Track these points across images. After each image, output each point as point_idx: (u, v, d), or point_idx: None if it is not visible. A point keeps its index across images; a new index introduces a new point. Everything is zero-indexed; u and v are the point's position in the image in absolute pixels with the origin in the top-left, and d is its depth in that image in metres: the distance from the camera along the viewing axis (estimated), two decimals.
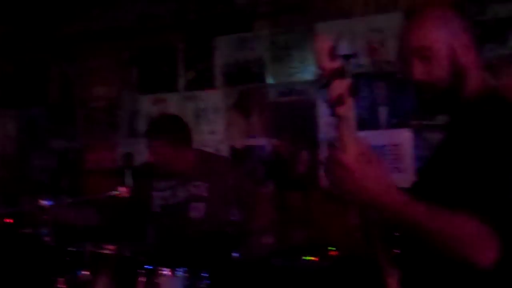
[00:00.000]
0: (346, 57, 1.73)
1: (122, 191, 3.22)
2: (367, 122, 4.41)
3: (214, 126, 5.06)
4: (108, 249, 3.35)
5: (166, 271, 3.26)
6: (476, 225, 1.68)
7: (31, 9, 5.77)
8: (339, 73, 1.57)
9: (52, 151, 5.79)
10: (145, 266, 3.26)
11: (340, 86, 1.57)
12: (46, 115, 5.84)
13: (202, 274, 3.25)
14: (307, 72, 4.68)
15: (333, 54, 1.57)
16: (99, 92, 5.60)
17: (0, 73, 6.04)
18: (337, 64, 1.57)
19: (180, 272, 3.26)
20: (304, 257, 4.00)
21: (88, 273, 3.33)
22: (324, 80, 1.57)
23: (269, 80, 4.85)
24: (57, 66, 5.79)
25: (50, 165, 5.79)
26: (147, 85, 5.39)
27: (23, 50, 5.90)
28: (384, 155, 4.34)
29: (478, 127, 1.83)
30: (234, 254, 3.59)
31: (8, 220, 3.79)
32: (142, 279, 3.25)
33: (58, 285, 3.19)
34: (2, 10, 5.82)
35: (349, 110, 1.59)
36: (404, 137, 4.35)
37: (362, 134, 1.80)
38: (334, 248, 3.98)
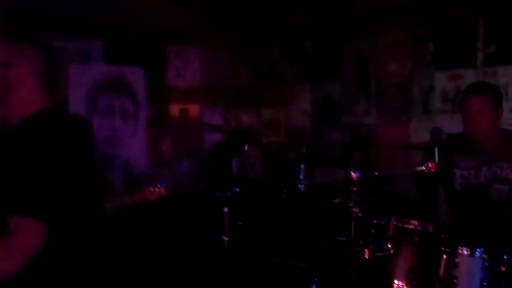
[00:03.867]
0: None
1: (429, 166, 3.20)
2: None
3: None
4: (412, 224, 3.37)
5: (466, 251, 3.18)
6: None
7: None
8: None
9: (346, 126, 5.96)
10: (448, 244, 3.22)
11: None
12: (340, 90, 6.03)
13: (503, 256, 3.11)
14: None
15: None
16: (393, 68, 5.60)
17: (299, 50, 6.36)
18: None
19: (479, 253, 3.16)
20: None
21: (391, 246, 3.39)
22: None
23: None
24: (352, 42, 5.92)
25: (343, 140, 5.97)
26: (443, 61, 5.25)
27: (320, 27, 6.14)
28: None
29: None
30: None
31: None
32: (445, 256, 3.21)
33: (364, 256, 3.30)
34: None
35: None
36: None
37: None
38: None
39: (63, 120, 2.39)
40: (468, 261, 3.18)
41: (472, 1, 5.03)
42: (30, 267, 2.16)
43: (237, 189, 4.11)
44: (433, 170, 3.22)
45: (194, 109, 6.40)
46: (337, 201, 3.49)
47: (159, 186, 3.53)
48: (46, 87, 2.39)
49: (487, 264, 3.13)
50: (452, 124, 4.87)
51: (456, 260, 3.18)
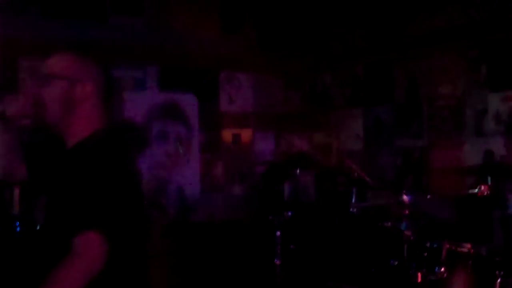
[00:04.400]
0: None
1: (482, 189, 3.17)
2: None
3: None
4: (465, 247, 3.33)
5: None
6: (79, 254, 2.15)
7: (376, 10, 6.00)
8: None
9: (398, 149, 5.94)
10: (503, 268, 3.18)
11: None
12: (392, 113, 6.02)
13: None
14: None
15: None
16: (445, 90, 5.57)
17: (351, 74, 6.39)
18: None
19: None
20: None
21: (444, 269, 3.36)
22: None
23: None
24: (403, 65, 5.91)
25: (396, 163, 5.95)
26: (496, 82, 5.20)
27: (370, 51, 6.16)
28: None
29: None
30: None
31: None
32: (499, 280, 3.17)
33: (417, 280, 3.28)
34: (351, 15, 6.17)
35: None
36: None
37: None
38: None
39: (120, 141, 2.49)
40: None
41: None
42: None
43: (290, 213, 4.15)
44: (486, 193, 3.19)
45: (246, 134, 6.49)
46: (389, 224, 3.49)
47: None
48: (104, 108, 2.47)
49: None
50: (506, 147, 4.81)
51: None
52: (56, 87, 2.37)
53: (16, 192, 4.04)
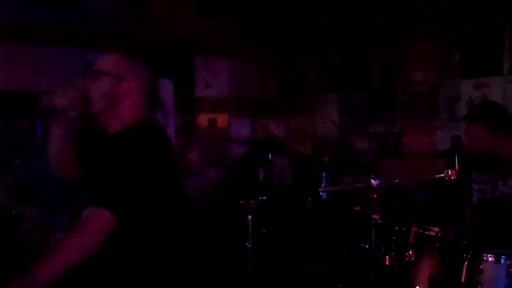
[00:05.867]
0: None
1: (450, 173, 3.21)
2: None
3: None
4: (433, 230, 3.38)
5: (490, 258, 3.18)
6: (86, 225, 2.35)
7: None
8: None
9: (373, 135, 5.98)
10: (469, 251, 3.23)
11: None
12: (367, 99, 6.06)
13: None
14: None
15: None
16: (419, 77, 5.62)
17: (326, 60, 6.41)
18: None
19: (504, 259, 3.16)
20: None
21: (412, 252, 3.41)
22: None
23: None
24: (378, 51, 5.95)
25: (370, 148, 5.99)
26: (469, 69, 5.25)
27: (346, 37, 6.19)
28: None
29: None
30: None
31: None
32: (466, 263, 3.22)
33: (385, 262, 3.33)
34: (327, 1, 6.18)
35: None
36: None
37: None
38: None
39: (156, 134, 2.61)
40: (493, 267, 3.18)
41: (498, 9, 5.02)
42: (97, 259, 2.35)
43: (264, 197, 4.18)
44: (453, 177, 3.23)
45: (222, 119, 6.49)
46: (357, 208, 3.53)
47: None
48: (146, 105, 2.64)
49: (511, 270, 3.13)
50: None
51: (481, 266, 3.18)
52: (102, 83, 2.56)
53: None
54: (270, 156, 4.10)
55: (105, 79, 2.56)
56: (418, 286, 3.34)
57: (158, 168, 2.48)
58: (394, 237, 3.42)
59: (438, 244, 3.35)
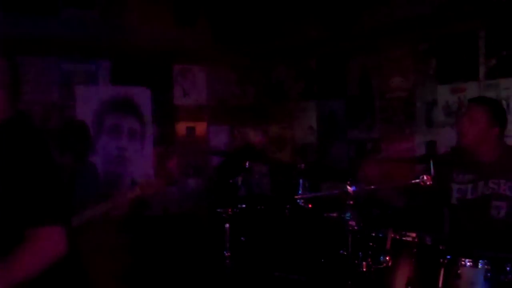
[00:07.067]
0: None
1: (425, 179, 3.23)
2: None
3: None
4: (410, 236, 3.38)
5: (468, 262, 3.19)
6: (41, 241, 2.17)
7: (329, 3, 6.04)
8: None
9: (351, 141, 6.00)
10: (447, 256, 3.24)
11: None
12: (345, 106, 6.07)
13: (506, 268, 3.12)
14: None
15: None
16: (396, 83, 5.65)
17: (304, 67, 6.43)
18: None
19: (482, 264, 3.17)
20: None
21: (389, 258, 3.41)
22: None
23: None
24: (355, 58, 5.97)
25: (349, 154, 6.01)
26: (445, 75, 5.29)
27: (323, 44, 6.21)
28: None
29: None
30: None
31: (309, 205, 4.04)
32: (443, 268, 3.22)
33: (362, 269, 3.32)
34: (305, 8, 6.20)
35: None
36: None
37: None
38: None
39: (34, 126, 2.48)
40: (471, 272, 3.19)
41: (473, 15, 5.07)
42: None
43: (243, 205, 4.16)
44: (428, 183, 3.24)
45: (201, 128, 6.48)
46: (334, 215, 3.53)
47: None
48: (10, 99, 2.43)
49: (489, 275, 3.14)
50: (455, 137, 4.89)
51: (458, 271, 3.18)
52: None
53: None
54: (247, 163, 4.09)
55: None
56: None
57: (51, 162, 2.35)
58: (371, 243, 3.41)
59: (415, 250, 3.36)
